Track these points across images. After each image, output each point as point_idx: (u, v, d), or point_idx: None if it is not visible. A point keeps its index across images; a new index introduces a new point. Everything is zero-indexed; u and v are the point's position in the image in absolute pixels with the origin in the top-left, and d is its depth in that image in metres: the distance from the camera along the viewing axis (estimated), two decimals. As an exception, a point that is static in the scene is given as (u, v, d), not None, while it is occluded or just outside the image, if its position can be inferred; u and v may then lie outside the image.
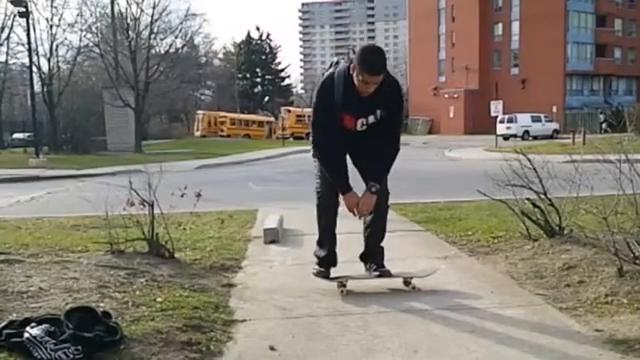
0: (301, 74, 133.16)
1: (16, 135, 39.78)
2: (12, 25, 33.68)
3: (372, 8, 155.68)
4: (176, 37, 36.30)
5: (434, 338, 3.08)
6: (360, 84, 3.59)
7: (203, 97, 74.67)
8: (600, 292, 3.64)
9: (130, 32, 33.33)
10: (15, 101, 46.24)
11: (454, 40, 61.46)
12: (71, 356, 2.63)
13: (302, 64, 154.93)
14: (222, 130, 52.01)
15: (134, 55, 32.58)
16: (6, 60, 37.56)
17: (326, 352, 2.93)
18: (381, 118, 3.78)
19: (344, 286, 3.90)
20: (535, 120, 42.00)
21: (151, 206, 4.65)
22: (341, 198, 3.85)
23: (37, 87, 32.55)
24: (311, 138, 3.86)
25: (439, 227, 6.25)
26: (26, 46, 27.69)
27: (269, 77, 79.41)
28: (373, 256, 4.07)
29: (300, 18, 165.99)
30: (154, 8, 33.33)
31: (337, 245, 4.09)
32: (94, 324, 2.86)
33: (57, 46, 33.70)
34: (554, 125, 42.82)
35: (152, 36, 34.31)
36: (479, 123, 49.73)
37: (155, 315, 3.25)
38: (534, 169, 5.10)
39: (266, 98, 73.31)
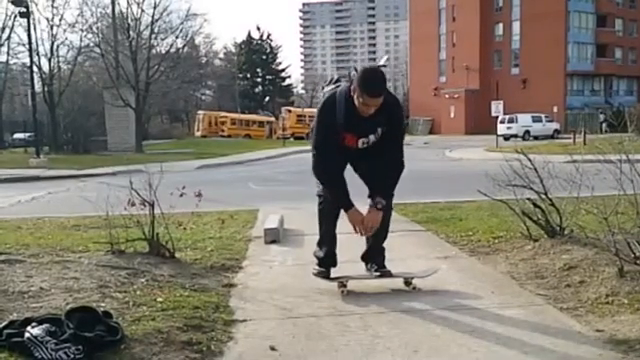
0: (302, 74, 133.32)
1: (17, 135, 39.76)
2: (13, 25, 33.69)
3: (373, 8, 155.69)
4: (177, 37, 36.30)
5: (434, 338, 3.08)
6: (361, 106, 3.64)
7: (204, 97, 74.71)
8: (601, 292, 3.64)
9: (131, 32, 33.33)
10: (16, 101, 46.20)
11: (455, 40, 61.45)
12: (72, 356, 2.64)
13: (303, 64, 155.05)
14: (223, 130, 52.02)
15: (135, 55, 32.58)
16: (7, 60, 37.55)
17: (327, 352, 2.93)
18: (382, 135, 3.81)
19: (344, 286, 3.90)
20: (536, 120, 41.98)
21: (152, 206, 4.65)
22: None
23: (38, 87, 32.49)
24: (312, 159, 3.87)
25: (440, 227, 6.25)
26: (27, 46, 27.67)
27: (270, 77, 79.43)
28: (374, 256, 4.07)
29: (301, 18, 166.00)
30: (155, 8, 33.35)
31: (337, 246, 4.10)
32: (95, 324, 2.86)
33: (58, 46, 33.71)
34: (555, 125, 42.80)
35: (153, 36, 34.31)
36: (480, 123, 49.72)
37: (156, 315, 3.25)
38: (535, 169, 5.10)
39: (267, 98, 73.31)
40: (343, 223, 4.02)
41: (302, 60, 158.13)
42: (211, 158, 24.41)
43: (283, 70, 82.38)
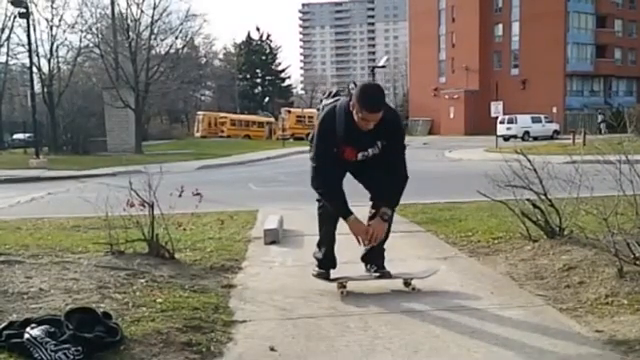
0: (301, 75, 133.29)
1: (16, 136, 39.76)
2: (12, 26, 33.66)
3: (372, 9, 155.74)
4: (176, 38, 36.31)
5: (434, 339, 3.08)
6: (360, 121, 3.66)
7: (203, 98, 74.70)
8: (600, 293, 3.64)
9: (130, 33, 33.31)
10: (15, 102, 46.16)
11: (454, 41, 61.47)
12: (71, 357, 2.64)
13: (302, 65, 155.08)
14: (222, 131, 52.03)
15: (134, 56, 32.57)
16: (6, 61, 37.52)
17: (326, 353, 2.93)
18: (382, 148, 3.83)
19: (344, 287, 3.91)
20: (535, 121, 41.99)
21: (151, 207, 4.65)
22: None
23: (37, 88, 32.51)
24: (311, 171, 3.88)
25: (439, 228, 6.25)
26: (26, 47, 27.69)
27: (269, 78, 79.46)
28: (374, 257, 4.08)
29: (300, 19, 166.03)
30: (154, 9, 33.33)
31: (336, 247, 4.10)
32: (94, 325, 2.86)
33: (57, 47, 33.72)
34: (554, 126, 42.81)
35: (152, 37, 34.28)
36: (479, 124, 49.71)
37: (155, 316, 3.25)
38: (534, 170, 5.10)
39: (266, 99, 73.28)
40: (343, 224, 4.02)
41: (302, 61, 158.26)
42: (211, 159, 24.40)
43: (283, 71, 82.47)
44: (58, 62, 34.50)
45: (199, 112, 57.66)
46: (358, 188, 4.06)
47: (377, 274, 4.03)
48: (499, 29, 59.28)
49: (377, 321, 3.35)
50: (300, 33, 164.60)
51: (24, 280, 3.85)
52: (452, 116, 58.06)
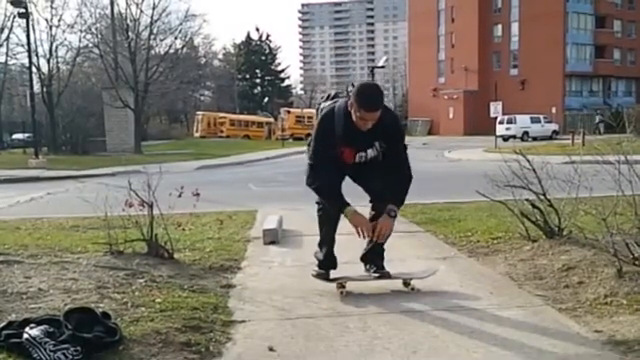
0: (301, 75, 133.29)
1: (15, 136, 39.75)
2: (12, 26, 33.62)
3: (372, 9, 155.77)
4: (176, 38, 36.30)
5: (433, 339, 3.08)
6: (358, 120, 3.66)
7: (203, 98, 74.70)
8: (599, 293, 3.64)
9: (130, 33, 33.30)
10: (15, 102, 46.15)
11: (453, 41, 61.49)
12: (70, 357, 2.63)
13: (302, 65, 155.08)
14: (222, 131, 52.03)
15: (134, 56, 32.56)
16: (6, 61, 37.48)
17: (325, 353, 2.93)
18: (380, 150, 3.84)
19: (343, 287, 3.91)
20: (534, 121, 42.02)
21: (150, 207, 4.65)
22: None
23: (37, 88, 32.50)
24: (307, 170, 3.89)
25: (438, 228, 6.25)
26: (26, 47, 27.70)
27: (269, 78, 79.46)
28: (373, 258, 4.08)
29: (300, 19, 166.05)
30: (154, 9, 33.33)
31: (336, 247, 4.10)
32: (93, 325, 2.86)
33: (57, 47, 33.72)
34: (553, 126, 42.84)
35: (152, 37, 34.28)
36: (478, 124, 49.72)
37: (154, 316, 3.25)
38: (533, 170, 5.10)
39: (266, 99, 73.31)
40: (343, 224, 4.02)
41: (301, 61, 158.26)
42: (210, 159, 24.40)
43: (282, 71, 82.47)
44: (57, 62, 34.55)
45: (198, 112, 57.66)
46: (358, 190, 4.06)
47: (376, 274, 4.03)
48: (498, 29, 59.31)
49: (376, 321, 3.35)
50: (299, 33, 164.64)
51: (23, 280, 3.85)
52: (451, 116, 58.07)
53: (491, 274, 4.38)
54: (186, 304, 3.50)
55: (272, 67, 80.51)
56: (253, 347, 3.00)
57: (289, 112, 52.40)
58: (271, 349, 2.96)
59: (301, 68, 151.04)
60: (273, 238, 5.76)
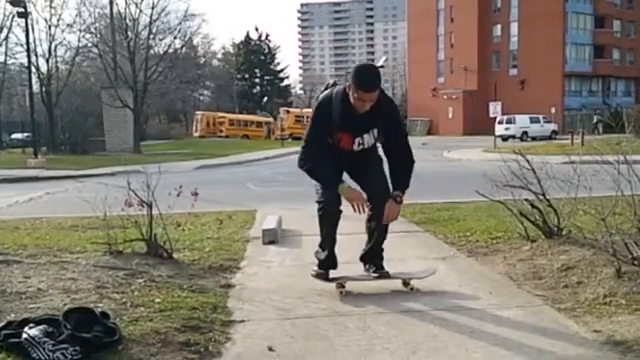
0: (300, 75, 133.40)
1: (14, 135, 39.68)
2: (11, 25, 33.57)
3: (371, 9, 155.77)
4: (175, 37, 36.23)
5: (433, 339, 3.08)
6: (356, 101, 3.67)
7: (202, 97, 74.68)
8: (598, 293, 3.64)
9: (129, 32, 33.28)
10: (14, 101, 46.13)
11: (453, 41, 61.49)
12: (69, 357, 2.63)
13: (301, 65, 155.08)
14: (221, 130, 52.02)
15: (133, 55, 32.53)
16: (5, 60, 37.38)
17: (325, 353, 2.93)
18: (377, 138, 3.84)
19: (343, 287, 3.91)
20: (534, 121, 42.04)
21: (149, 207, 4.64)
22: (343, 203, 3.86)
23: (36, 87, 32.44)
24: (300, 152, 3.90)
25: (438, 228, 6.25)
26: (25, 46, 27.65)
27: (268, 78, 79.43)
28: (373, 258, 4.08)
29: (299, 19, 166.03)
30: (153, 8, 33.29)
31: (336, 247, 4.08)
32: (92, 325, 2.86)
33: (56, 46, 33.68)
34: (553, 126, 42.86)
35: (151, 36, 34.26)
36: (478, 124, 49.73)
37: (153, 316, 3.24)
38: (532, 170, 5.10)
39: (265, 98, 73.33)
40: (344, 224, 4.02)
41: (300, 61, 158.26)
42: (209, 159, 24.39)
43: (281, 71, 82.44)
44: (56, 62, 34.50)
45: (197, 112, 57.63)
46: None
47: (376, 274, 4.03)
48: (498, 29, 59.33)
49: (376, 321, 3.35)
50: (299, 33, 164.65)
51: (22, 280, 3.84)
52: (451, 116, 58.08)
53: (490, 274, 4.38)
54: (185, 304, 3.49)
55: (271, 67, 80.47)
56: (252, 347, 3.00)
57: (288, 112, 52.38)
58: (270, 349, 2.96)
59: (300, 68, 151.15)
60: (272, 238, 5.76)
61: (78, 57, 35.97)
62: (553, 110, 48.27)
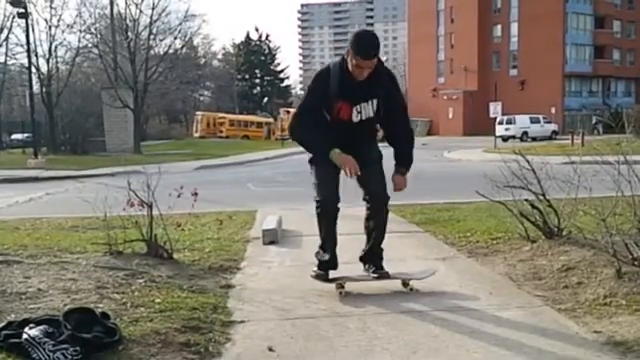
0: (300, 75, 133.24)
1: (15, 136, 39.69)
2: (11, 26, 33.60)
3: (371, 9, 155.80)
4: (175, 38, 36.31)
5: (433, 339, 3.08)
6: (354, 69, 3.63)
7: (202, 98, 74.68)
8: (599, 293, 3.64)
9: (129, 33, 33.31)
10: (14, 102, 46.16)
11: (453, 41, 61.51)
12: (69, 357, 2.63)
13: (301, 65, 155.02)
14: (221, 131, 52.05)
15: (133, 56, 32.56)
16: (5, 61, 37.44)
17: (325, 353, 2.93)
18: (377, 111, 3.79)
19: (342, 287, 3.90)
20: (534, 121, 42.06)
21: (150, 207, 4.64)
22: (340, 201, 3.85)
23: (36, 88, 32.48)
24: (291, 119, 3.87)
25: (438, 228, 6.25)
26: (25, 47, 27.70)
27: (268, 78, 79.44)
28: (372, 258, 4.07)
29: (299, 19, 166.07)
30: (153, 9, 33.34)
31: (337, 247, 4.07)
32: (93, 325, 2.86)
33: (56, 47, 33.72)
34: (553, 126, 42.88)
35: (151, 37, 34.30)
36: (478, 124, 49.74)
37: (154, 316, 3.24)
38: (533, 170, 5.10)
39: (265, 99, 73.32)
40: (344, 225, 4.02)
41: (300, 61, 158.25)
42: (209, 159, 24.40)
43: (282, 71, 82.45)
44: (57, 62, 34.54)
45: (198, 112, 57.65)
46: (357, 191, 4.05)
47: (375, 275, 4.03)
48: (498, 30, 59.34)
49: (376, 321, 3.35)
50: (299, 33, 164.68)
51: (22, 280, 3.84)
52: (451, 116, 58.09)
53: (490, 274, 4.38)
54: (185, 304, 3.49)
55: (271, 67, 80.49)
56: (252, 347, 3.00)
57: (288, 112, 52.26)
58: (270, 349, 2.96)
59: (300, 68, 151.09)
60: (272, 238, 5.76)
61: (78, 57, 36.01)
62: (553, 110, 48.28)
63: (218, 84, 72.27)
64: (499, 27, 59.04)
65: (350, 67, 3.64)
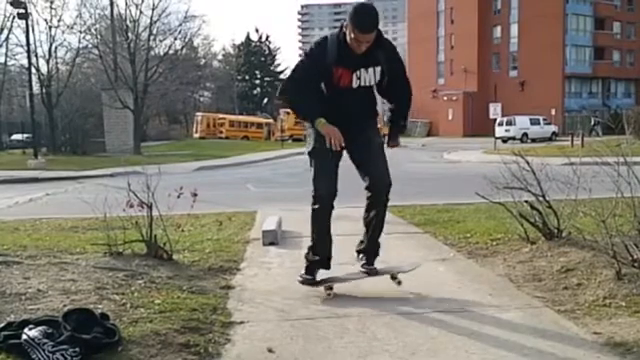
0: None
1: (15, 136, 39.67)
2: (11, 26, 33.56)
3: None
4: (175, 39, 36.34)
5: (432, 341, 3.08)
6: (352, 42, 3.56)
7: (202, 99, 74.72)
8: (598, 295, 3.64)
9: (129, 34, 33.33)
10: (14, 102, 46.18)
11: (453, 42, 61.57)
12: (69, 358, 2.63)
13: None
14: (221, 132, 52.08)
15: (133, 57, 32.57)
16: (5, 61, 37.35)
17: (324, 354, 2.93)
18: (381, 78, 3.75)
19: (331, 289, 3.86)
20: (534, 123, 42.07)
21: (149, 208, 4.64)
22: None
23: (36, 88, 32.51)
24: (283, 83, 3.81)
25: (437, 229, 6.25)
26: (25, 47, 27.76)
27: (268, 79, 79.52)
28: (367, 253, 4.01)
29: (299, 20, 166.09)
30: (153, 10, 33.37)
31: (333, 247, 4.00)
32: (92, 326, 2.86)
33: (56, 47, 33.72)
34: (553, 127, 42.90)
35: (151, 38, 34.32)
36: (478, 125, 49.79)
37: (153, 317, 3.24)
38: (532, 172, 5.10)
39: (265, 100, 73.33)
40: (343, 225, 4.02)
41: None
42: (209, 160, 24.40)
43: (282, 72, 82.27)
44: (57, 63, 34.55)
45: (198, 113, 57.69)
46: (356, 192, 4.05)
47: (364, 270, 3.98)
48: (498, 31, 59.40)
49: (375, 323, 3.35)
50: (299, 34, 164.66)
51: (22, 281, 3.84)
52: (451, 118, 58.12)
53: (490, 275, 4.37)
54: (185, 305, 3.49)
55: (272, 68, 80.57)
56: (252, 348, 3.00)
57: (288, 113, 52.21)
58: (270, 350, 2.96)
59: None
60: (272, 239, 5.75)
61: (78, 58, 36.00)
62: (553, 112, 48.32)
63: (218, 85, 72.34)
64: (499, 28, 59.11)
65: (348, 40, 3.55)
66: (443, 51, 63.21)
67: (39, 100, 31.90)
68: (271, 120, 56.32)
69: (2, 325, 2.90)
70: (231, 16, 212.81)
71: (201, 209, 6.55)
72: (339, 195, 3.84)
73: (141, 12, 33.35)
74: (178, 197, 4.75)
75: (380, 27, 3.64)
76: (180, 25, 35.77)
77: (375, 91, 3.92)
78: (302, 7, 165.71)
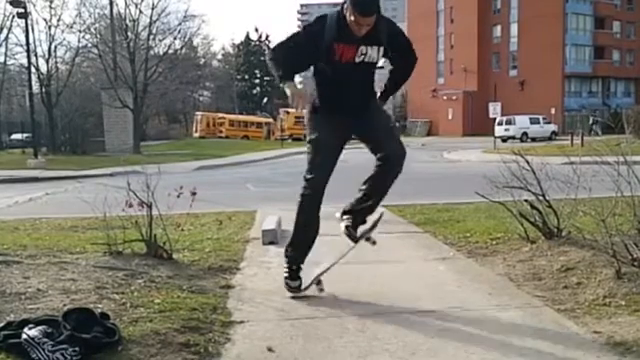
0: (300, 75, 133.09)
1: (14, 136, 39.68)
2: (11, 26, 33.56)
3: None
4: (175, 38, 36.41)
5: (432, 340, 3.08)
6: (352, 24, 3.48)
7: (202, 98, 74.74)
8: (598, 294, 3.64)
9: (129, 33, 33.35)
10: (13, 102, 46.20)
11: (453, 42, 61.57)
12: (69, 357, 2.63)
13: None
14: (221, 131, 52.11)
15: (133, 56, 32.59)
16: (4, 61, 37.35)
17: (324, 354, 2.93)
18: (384, 55, 3.70)
19: (322, 290, 3.84)
20: (533, 122, 42.09)
21: (149, 207, 4.64)
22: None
23: (35, 88, 32.51)
24: (273, 45, 3.77)
25: (437, 228, 6.25)
26: (24, 47, 27.74)
27: (268, 78, 79.32)
28: (355, 215, 3.90)
29: (299, 19, 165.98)
30: (153, 9, 33.42)
31: (326, 248, 3.96)
32: (92, 325, 2.86)
33: (56, 47, 33.75)
34: (552, 127, 42.91)
35: (151, 37, 34.39)
36: (477, 125, 49.78)
37: (153, 316, 3.24)
38: (532, 171, 5.10)
39: (265, 99, 73.31)
40: (329, 225, 4.01)
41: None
42: (209, 159, 24.41)
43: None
44: (56, 62, 34.58)
45: (197, 112, 57.71)
46: (348, 191, 4.04)
47: (346, 232, 3.91)
48: (497, 30, 59.41)
49: (375, 322, 3.35)
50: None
51: (22, 280, 3.84)
52: (450, 117, 58.13)
53: (490, 275, 4.37)
54: (185, 305, 3.49)
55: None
56: (252, 348, 3.00)
57: (288, 113, 52.28)
58: (270, 350, 2.96)
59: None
60: (272, 238, 5.76)
61: (78, 57, 36.03)
62: (553, 111, 48.33)
63: (218, 84, 72.35)
64: (499, 27, 59.11)
65: (348, 21, 3.49)
66: (443, 50, 63.21)
67: (39, 99, 31.92)
68: (271, 119, 56.35)
69: (2, 324, 2.90)
70: (231, 16, 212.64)
71: (201, 208, 6.55)
72: (331, 195, 3.78)
73: (140, 11, 33.42)
74: (178, 197, 4.74)
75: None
76: (180, 24, 35.88)
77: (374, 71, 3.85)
78: (302, 6, 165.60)
